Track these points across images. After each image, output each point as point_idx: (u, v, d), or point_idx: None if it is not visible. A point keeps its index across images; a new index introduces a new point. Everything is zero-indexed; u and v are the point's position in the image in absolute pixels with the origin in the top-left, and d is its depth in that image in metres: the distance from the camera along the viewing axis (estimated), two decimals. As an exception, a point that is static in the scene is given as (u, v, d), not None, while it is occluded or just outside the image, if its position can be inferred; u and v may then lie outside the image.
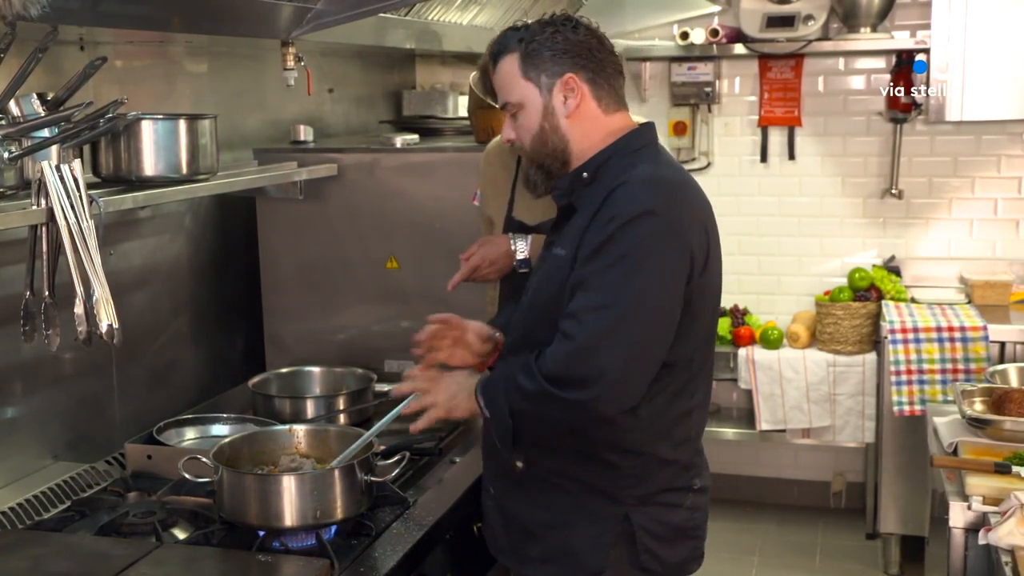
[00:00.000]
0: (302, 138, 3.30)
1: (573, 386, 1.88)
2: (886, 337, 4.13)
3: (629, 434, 2.00)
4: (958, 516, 2.54)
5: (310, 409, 2.75)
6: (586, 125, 2.04)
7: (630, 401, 1.94)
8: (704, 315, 2.03)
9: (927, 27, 4.30)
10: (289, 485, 2.07)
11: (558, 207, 2.11)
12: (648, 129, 2.10)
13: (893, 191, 4.78)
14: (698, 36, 4.73)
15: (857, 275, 4.62)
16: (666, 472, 2.06)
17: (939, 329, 4.05)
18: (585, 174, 2.03)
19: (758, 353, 4.68)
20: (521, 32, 2.05)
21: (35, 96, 2.10)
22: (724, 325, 4.81)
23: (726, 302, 4.94)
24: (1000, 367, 3.36)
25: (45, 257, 2.10)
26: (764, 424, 4.68)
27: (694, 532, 2.13)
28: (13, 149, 2.03)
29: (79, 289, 2.04)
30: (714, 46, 4.76)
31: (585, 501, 2.05)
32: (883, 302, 4.45)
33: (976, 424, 2.85)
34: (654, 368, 1.94)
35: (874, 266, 4.76)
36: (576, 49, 2.01)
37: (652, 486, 2.05)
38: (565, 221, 2.08)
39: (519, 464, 2.08)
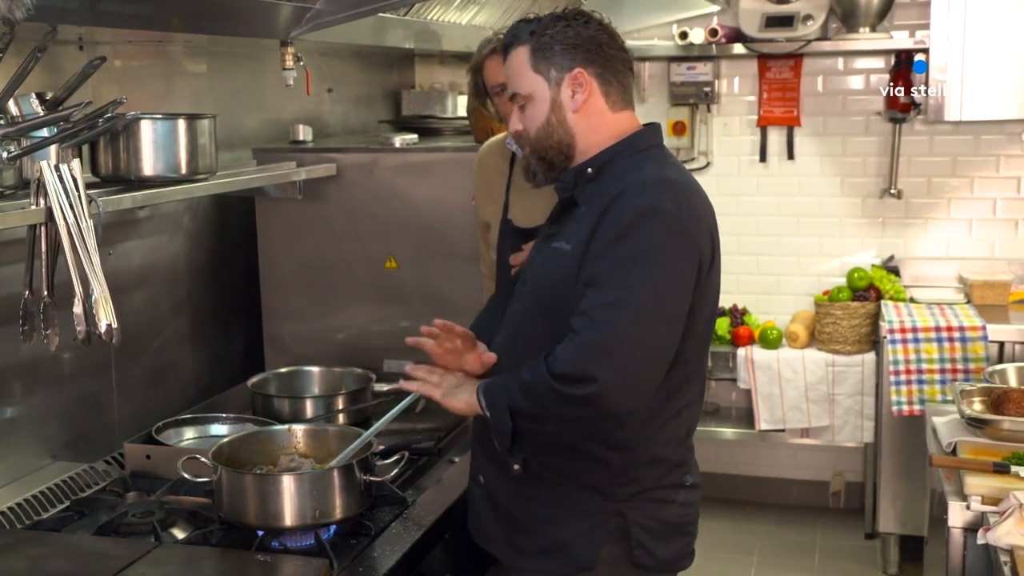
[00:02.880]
0: (301, 138, 3.30)
1: (580, 382, 1.87)
2: (885, 337, 4.13)
3: (620, 431, 1.99)
4: (957, 516, 2.54)
5: (309, 409, 2.75)
6: (593, 121, 2.05)
7: (640, 400, 1.93)
8: (702, 317, 2.03)
9: (926, 27, 4.30)
10: (288, 485, 2.07)
11: (560, 200, 2.12)
12: (654, 131, 2.12)
13: (892, 191, 4.78)
14: (697, 36, 4.73)
15: (856, 275, 4.63)
16: (656, 470, 2.06)
17: (938, 329, 4.05)
18: (590, 170, 2.04)
19: (757, 353, 4.68)
20: (533, 24, 2.05)
21: (34, 96, 2.10)
22: (723, 325, 4.81)
23: (725, 302, 4.94)
24: (999, 367, 3.35)
25: (44, 257, 2.10)
26: (763, 424, 4.68)
27: (687, 528, 2.14)
28: (12, 149, 2.03)
29: (78, 289, 2.04)
30: (713, 46, 4.76)
31: (577, 496, 2.05)
32: (882, 302, 4.45)
33: (975, 424, 2.85)
34: (663, 367, 1.95)
35: (873, 266, 4.76)
36: (587, 44, 2.02)
37: (642, 483, 2.05)
38: (565, 214, 2.09)
39: (516, 467, 2.07)
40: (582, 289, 1.94)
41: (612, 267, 1.91)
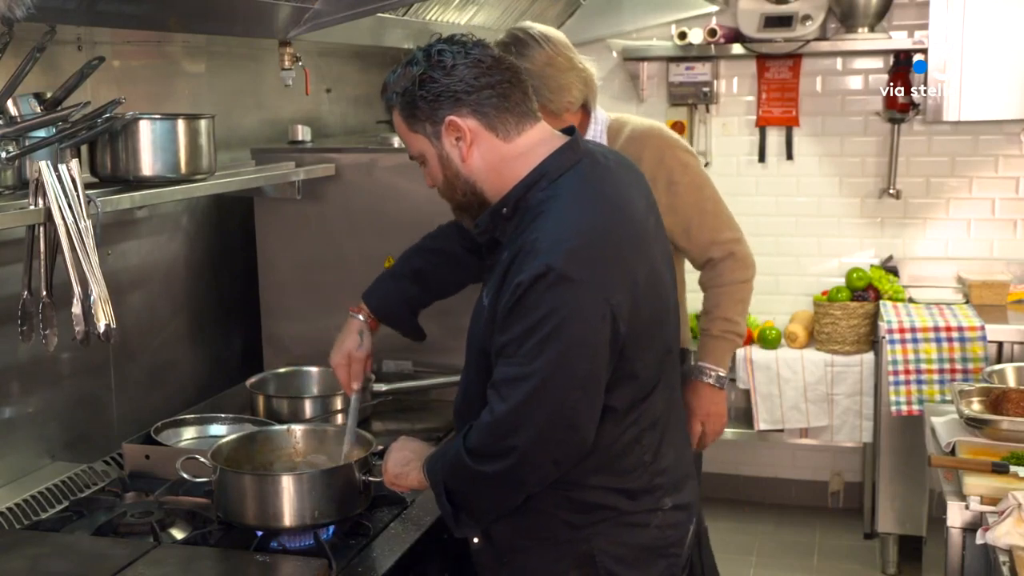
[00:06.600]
0: (300, 138, 3.30)
1: (488, 458, 1.84)
2: (884, 337, 4.13)
3: (555, 475, 1.89)
4: (956, 516, 2.54)
5: (308, 409, 2.75)
6: (490, 161, 1.90)
7: (555, 469, 1.86)
8: (657, 340, 1.93)
9: (925, 27, 4.31)
10: (287, 485, 2.07)
11: (482, 244, 2.03)
12: (568, 151, 1.92)
13: (891, 191, 4.78)
14: (696, 36, 4.74)
15: (855, 275, 4.63)
16: (619, 499, 1.96)
17: (937, 329, 4.05)
18: (504, 209, 1.91)
19: (756, 353, 4.68)
20: (392, 84, 1.95)
21: (33, 96, 2.10)
22: (722, 325, 4.81)
23: (724, 302, 4.94)
24: (998, 367, 3.35)
25: (43, 257, 2.10)
26: (762, 424, 4.69)
27: (668, 551, 2.02)
28: (11, 149, 2.03)
29: (77, 289, 2.04)
30: (712, 46, 4.76)
31: (544, 524, 1.98)
32: (881, 302, 4.45)
33: (974, 424, 2.85)
34: (585, 427, 1.84)
35: (872, 266, 4.76)
36: (449, 88, 1.86)
37: (605, 513, 1.95)
38: (492, 256, 1.99)
39: (475, 540, 2.04)
40: (495, 355, 1.87)
41: (516, 338, 1.80)
